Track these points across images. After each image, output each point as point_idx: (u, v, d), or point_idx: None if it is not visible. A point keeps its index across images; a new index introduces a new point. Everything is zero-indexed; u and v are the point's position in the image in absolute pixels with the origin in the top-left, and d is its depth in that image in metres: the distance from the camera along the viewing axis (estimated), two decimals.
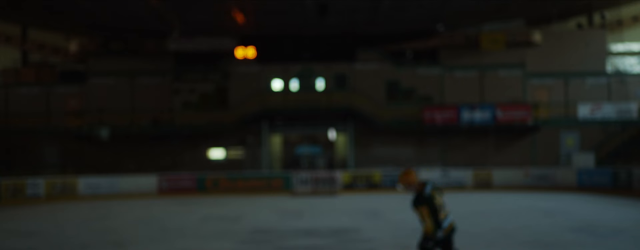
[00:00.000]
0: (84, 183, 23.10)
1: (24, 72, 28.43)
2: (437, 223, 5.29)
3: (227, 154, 27.79)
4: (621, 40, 29.92)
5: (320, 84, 27.78)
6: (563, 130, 27.16)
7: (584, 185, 22.41)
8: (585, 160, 24.58)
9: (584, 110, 26.19)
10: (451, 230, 5.37)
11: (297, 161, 28.25)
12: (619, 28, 30.01)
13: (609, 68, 28.35)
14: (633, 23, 30.66)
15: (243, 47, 25.87)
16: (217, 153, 27.85)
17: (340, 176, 23.89)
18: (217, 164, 27.34)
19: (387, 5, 23.10)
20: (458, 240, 10.48)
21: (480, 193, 22.16)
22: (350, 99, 26.92)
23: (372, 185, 23.84)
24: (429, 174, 24.25)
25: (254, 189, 23.79)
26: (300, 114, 26.97)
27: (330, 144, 30.35)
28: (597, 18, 28.72)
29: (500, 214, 14.79)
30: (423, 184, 5.41)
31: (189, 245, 10.14)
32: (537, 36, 26.76)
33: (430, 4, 23.66)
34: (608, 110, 26.07)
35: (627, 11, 29.62)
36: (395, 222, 13.35)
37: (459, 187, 23.69)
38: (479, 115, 26.13)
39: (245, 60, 26.63)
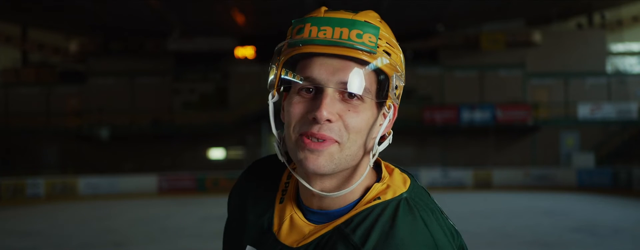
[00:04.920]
0: (84, 183, 23.09)
1: (24, 72, 28.42)
2: None
3: (227, 154, 27.79)
4: (621, 40, 29.91)
5: None
6: (563, 130, 27.15)
7: (584, 185, 22.40)
8: (585, 160, 24.57)
9: (584, 110, 26.19)
10: None
11: None
12: (619, 28, 30.01)
13: (609, 68, 28.34)
14: (633, 23, 30.65)
15: (243, 47, 25.87)
16: (217, 153, 27.84)
17: None
18: (217, 164, 27.34)
19: (387, 6, 23.10)
20: None
21: (480, 193, 22.15)
22: None
23: None
24: (429, 174, 24.29)
25: None
26: None
27: None
28: (597, 18, 28.71)
29: (500, 214, 14.78)
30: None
31: (189, 245, 10.14)
32: (537, 36, 26.75)
33: (430, 4, 23.66)
34: (608, 110, 26.06)
35: (627, 11, 29.61)
36: None
37: (459, 187, 23.68)
38: (479, 115, 26.12)
39: (245, 60, 26.61)
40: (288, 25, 1.08)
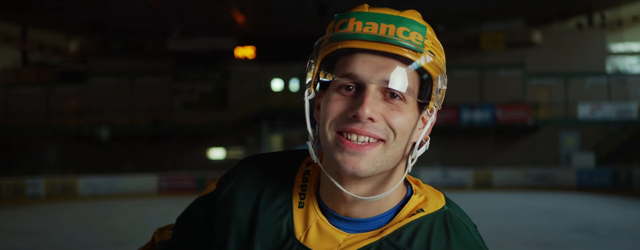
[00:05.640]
0: (84, 183, 23.09)
1: (24, 72, 28.43)
2: None
3: (227, 154, 27.79)
4: (621, 40, 29.91)
5: None
6: (563, 130, 27.15)
7: (584, 185, 22.40)
8: (585, 160, 24.57)
9: (584, 110, 26.19)
10: None
11: None
12: (619, 28, 30.01)
13: (609, 68, 28.34)
14: (633, 23, 30.65)
15: (243, 47, 25.86)
16: (217, 153, 27.84)
17: None
18: (217, 164, 27.33)
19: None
20: None
21: (480, 193, 22.14)
22: None
23: None
24: (429, 174, 24.28)
25: None
26: (300, 114, 26.92)
27: None
28: (597, 18, 28.71)
29: (500, 214, 14.78)
30: None
31: None
32: (537, 36, 26.75)
33: (430, 4, 23.66)
34: (608, 110, 26.06)
35: (627, 11, 29.61)
36: None
37: (459, 187, 23.68)
38: (479, 115, 26.12)
39: (245, 60, 26.61)
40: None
